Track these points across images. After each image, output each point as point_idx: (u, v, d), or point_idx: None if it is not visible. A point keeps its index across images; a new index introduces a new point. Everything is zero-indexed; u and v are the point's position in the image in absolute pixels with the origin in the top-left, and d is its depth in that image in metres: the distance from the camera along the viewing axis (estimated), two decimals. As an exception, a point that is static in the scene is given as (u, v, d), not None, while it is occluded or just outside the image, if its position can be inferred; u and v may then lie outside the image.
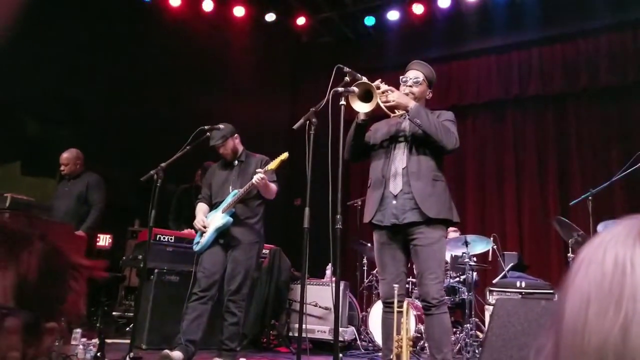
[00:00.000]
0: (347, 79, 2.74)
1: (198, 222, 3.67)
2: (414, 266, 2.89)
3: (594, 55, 6.43)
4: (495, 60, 7.09)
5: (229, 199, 3.64)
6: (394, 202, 2.81)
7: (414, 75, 2.99)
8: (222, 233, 3.62)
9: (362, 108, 2.72)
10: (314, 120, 2.72)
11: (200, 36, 7.08)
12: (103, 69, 6.13)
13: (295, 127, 2.74)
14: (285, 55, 8.35)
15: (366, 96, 2.71)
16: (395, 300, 2.71)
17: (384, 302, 2.89)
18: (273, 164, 3.48)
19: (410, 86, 2.96)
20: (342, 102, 2.62)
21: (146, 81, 6.25)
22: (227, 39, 7.48)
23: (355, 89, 2.65)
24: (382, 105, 2.77)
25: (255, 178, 3.44)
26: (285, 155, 3.48)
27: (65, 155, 4.89)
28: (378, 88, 2.75)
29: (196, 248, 3.69)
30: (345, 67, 2.76)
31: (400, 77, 3.05)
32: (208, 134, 3.61)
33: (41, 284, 0.61)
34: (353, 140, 2.96)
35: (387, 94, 2.81)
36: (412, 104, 2.81)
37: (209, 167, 5.17)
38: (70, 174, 4.87)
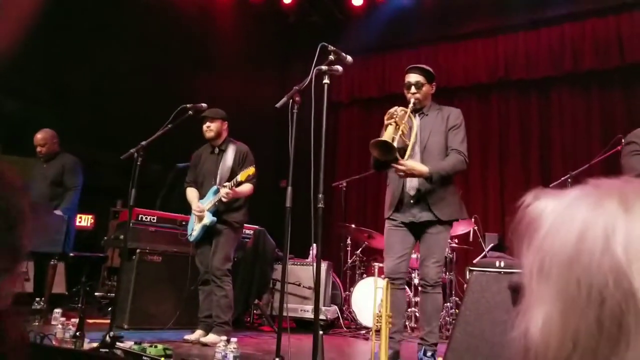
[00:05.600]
0: (331, 57, 2.72)
1: (195, 210, 3.87)
2: (419, 249, 3.21)
3: (578, 40, 6.45)
4: (482, 43, 7.09)
5: (210, 197, 3.85)
6: (411, 203, 3.12)
7: (415, 80, 3.22)
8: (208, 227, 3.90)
9: (387, 157, 2.93)
10: (297, 99, 2.69)
11: (186, 17, 6.95)
12: (87, 49, 6.00)
13: (278, 105, 2.72)
14: (272, 36, 8.23)
15: (384, 149, 2.87)
16: (386, 279, 2.90)
17: (390, 279, 3.07)
18: (241, 176, 3.66)
19: (414, 93, 3.19)
20: (326, 80, 2.60)
21: (131, 62, 6.13)
22: (213, 19, 7.35)
23: (374, 152, 2.90)
24: (399, 138, 2.96)
25: (223, 195, 3.68)
26: (252, 170, 3.66)
27: (40, 135, 4.66)
28: (393, 140, 2.89)
29: (191, 239, 3.98)
30: (329, 46, 2.74)
31: (404, 83, 3.25)
32: (190, 112, 3.57)
33: None
34: (378, 167, 3.25)
35: (398, 128, 2.97)
36: (425, 169, 3.03)
37: None
38: (48, 154, 4.68)
